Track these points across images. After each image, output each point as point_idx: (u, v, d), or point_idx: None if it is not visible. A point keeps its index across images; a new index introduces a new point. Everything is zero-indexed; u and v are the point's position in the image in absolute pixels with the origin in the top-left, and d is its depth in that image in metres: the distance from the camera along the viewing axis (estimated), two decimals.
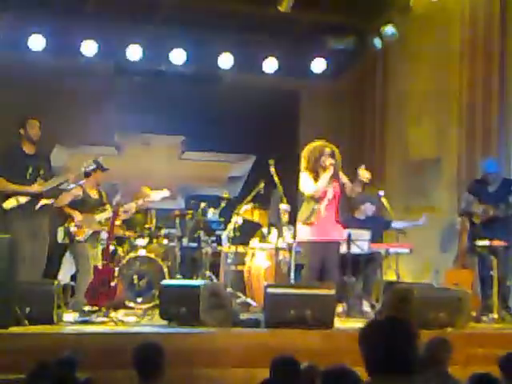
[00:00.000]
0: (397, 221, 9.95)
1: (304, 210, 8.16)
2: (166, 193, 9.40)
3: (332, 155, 8.10)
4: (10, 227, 8.08)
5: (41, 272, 8.39)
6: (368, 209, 9.98)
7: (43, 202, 8.35)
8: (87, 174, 8.71)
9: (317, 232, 8.02)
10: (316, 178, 8.07)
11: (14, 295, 6.77)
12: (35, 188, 8.29)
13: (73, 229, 8.40)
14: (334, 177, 8.09)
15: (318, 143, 8.21)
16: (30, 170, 8.35)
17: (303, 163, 8.14)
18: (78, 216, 8.44)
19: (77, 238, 8.41)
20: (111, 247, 8.60)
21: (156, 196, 9.31)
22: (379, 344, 2.94)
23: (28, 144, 8.46)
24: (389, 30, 11.31)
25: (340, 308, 8.34)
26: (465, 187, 10.12)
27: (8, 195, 8.24)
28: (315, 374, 4.44)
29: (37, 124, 8.48)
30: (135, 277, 9.40)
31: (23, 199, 8.23)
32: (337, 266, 8.22)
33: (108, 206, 8.82)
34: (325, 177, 8.01)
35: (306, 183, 8.09)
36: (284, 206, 9.29)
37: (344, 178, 8.20)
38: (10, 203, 8.20)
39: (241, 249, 9.74)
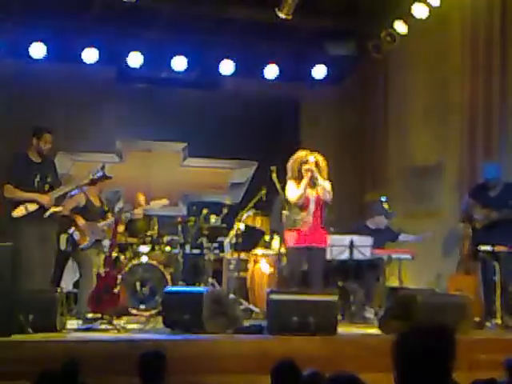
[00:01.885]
0: (404, 234, 9.97)
1: (289, 217, 8.28)
2: (165, 202, 9.45)
3: (314, 163, 8.19)
4: (19, 235, 8.06)
5: (50, 280, 8.39)
6: (382, 222, 9.95)
7: (53, 209, 8.33)
8: (93, 182, 8.71)
9: (302, 238, 8.10)
10: (298, 182, 8.20)
11: (17, 303, 6.77)
12: (46, 200, 8.27)
13: (76, 236, 8.40)
14: (318, 184, 8.18)
15: (300, 153, 8.34)
16: (38, 178, 8.33)
17: (288, 173, 8.36)
18: (80, 220, 8.43)
19: (80, 246, 8.41)
20: (114, 254, 8.60)
21: (155, 205, 9.36)
22: (419, 352, 2.78)
23: (36, 154, 8.45)
24: (390, 34, 11.32)
25: (340, 314, 8.33)
26: (467, 192, 10.11)
27: (17, 203, 8.22)
28: (319, 380, 4.43)
29: (50, 139, 8.47)
30: (138, 284, 9.40)
31: (32, 207, 8.21)
32: (320, 272, 8.27)
33: (110, 214, 8.84)
34: (302, 184, 8.12)
35: (290, 191, 8.26)
36: (286, 213, 9.29)
37: (327, 186, 8.26)
38: (19, 211, 8.18)
39: (243, 255, 9.74)
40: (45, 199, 8.26)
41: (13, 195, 8.21)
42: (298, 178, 8.22)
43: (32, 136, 8.42)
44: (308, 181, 8.15)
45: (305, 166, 8.17)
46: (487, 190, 9.11)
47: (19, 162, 8.44)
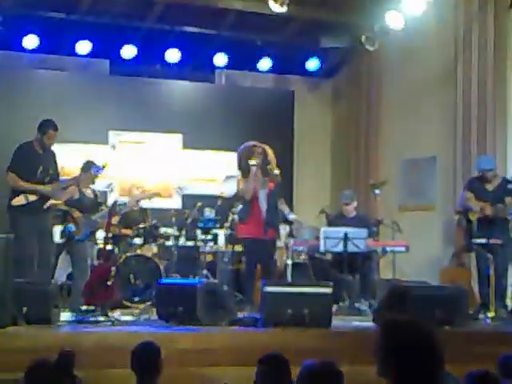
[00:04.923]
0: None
1: (240, 209, 8.42)
2: (155, 194, 9.45)
3: (263, 155, 8.22)
4: (17, 224, 8.05)
5: (50, 271, 8.37)
6: (350, 211, 9.83)
7: (52, 201, 8.31)
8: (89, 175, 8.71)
9: (251, 230, 8.09)
10: (247, 176, 8.22)
11: (10, 295, 6.75)
12: (49, 191, 8.25)
13: (72, 228, 8.39)
14: (272, 177, 8.22)
15: (250, 143, 8.35)
16: (41, 169, 8.31)
17: (237, 162, 8.42)
18: (76, 213, 8.42)
19: (76, 237, 8.39)
20: (108, 246, 8.58)
21: (147, 196, 9.35)
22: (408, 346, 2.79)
23: (39, 146, 8.41)
24: (383, 27, 11.31)
25: (335, 307, 8.33)
26: (460, 185, 10.10)
27: (18, 192, 8.19)
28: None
29: (55, 136, 8.44)
30: (132, 276, 9.39)
31: (32, 197, 8.19)
32: (272, 264, 8.31)
33: (104, 206, 8.82)
34: (248, 179, 8.17)
35: (238, 183, 8.34)
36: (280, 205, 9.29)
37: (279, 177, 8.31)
38: (18, 200, 8.15)
39: (237, 248, 9.74)
40: (47, 189, 8.24)
41: (16, 184, 8.19)
42: (246, 168, 8.26)
43: (37, 129, 8.38)
44: (253, 176, 8.17)
45: (251, 162, 8.19)
46: (484, 182, 9.05)
47: (24, 151, 8.39)
